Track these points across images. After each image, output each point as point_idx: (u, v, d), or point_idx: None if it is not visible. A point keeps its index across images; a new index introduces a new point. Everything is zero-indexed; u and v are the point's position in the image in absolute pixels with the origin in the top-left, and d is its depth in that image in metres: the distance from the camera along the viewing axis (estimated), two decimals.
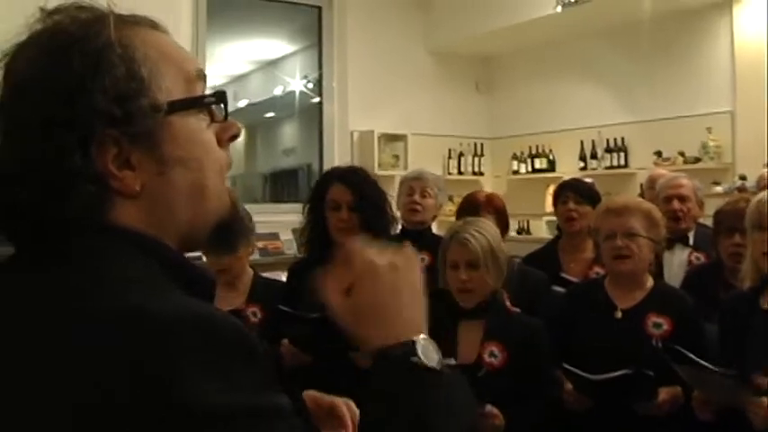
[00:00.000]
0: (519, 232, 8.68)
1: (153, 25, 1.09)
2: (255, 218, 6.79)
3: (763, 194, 3.04)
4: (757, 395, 2.66)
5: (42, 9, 1.03)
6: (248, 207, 7.50)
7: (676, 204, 4.24)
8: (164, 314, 0.86)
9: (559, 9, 7.60)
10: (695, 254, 4.20)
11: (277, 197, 9.18)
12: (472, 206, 3.83)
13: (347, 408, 1.34)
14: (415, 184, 4.35)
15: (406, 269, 1.14)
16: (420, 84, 8.89)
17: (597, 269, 3.92)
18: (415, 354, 1.05)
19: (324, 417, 1.35)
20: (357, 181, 3.51)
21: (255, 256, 6.93)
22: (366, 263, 1.13)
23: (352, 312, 1.12)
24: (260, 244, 7.14)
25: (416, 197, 4.30)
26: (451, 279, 3.04)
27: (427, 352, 1.06)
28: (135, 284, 0.92)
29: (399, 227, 4.45)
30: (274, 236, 7.26)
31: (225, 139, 1.13)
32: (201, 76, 1.10)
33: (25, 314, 0.91)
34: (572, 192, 4.33)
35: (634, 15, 7.72)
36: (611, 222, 3.17)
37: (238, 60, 9.44)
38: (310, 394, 1.36)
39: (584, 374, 2.92)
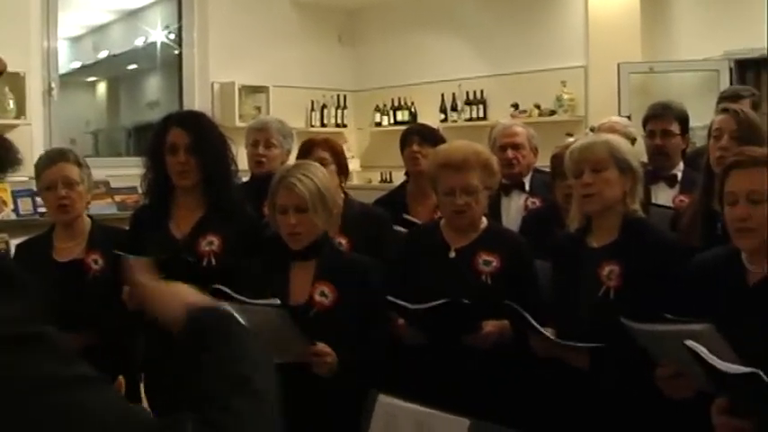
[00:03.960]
0: (382, 182, 8.80)
1: None
2: (118, 171, 6.72)
3: (574, 143, 3.17)
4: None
5: None
6: (111, 161, 7.36)
7: (510, 153, 4.36)
8: None
9: None
10: (531, 199, 4.34)
11: (141, 151, 8.96)
12: (308, 146, 3.87)
13: None
14: (258, 136, 4.34)
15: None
16: (282, 35, 8.81)
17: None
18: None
19: None
20: (195, 125, 3.48)
21: (113, 210, 6.85)
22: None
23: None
24: (118, 198, 7.01)
25: (261, 149, 4.30)
26: (281, 223, 3.05)
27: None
28: None
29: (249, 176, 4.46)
30: (133, 189, 7.13)
31: None
32: None
33: None
34: (417, 135, 4.43)
35: None
36: (451, 179, 3.20)
37: (97, 10, 9.12)
38: None
39: (405, 305, 3.01)
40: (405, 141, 4.48)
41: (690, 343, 2.12)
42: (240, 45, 8.40)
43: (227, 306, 1.43)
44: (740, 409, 2.13)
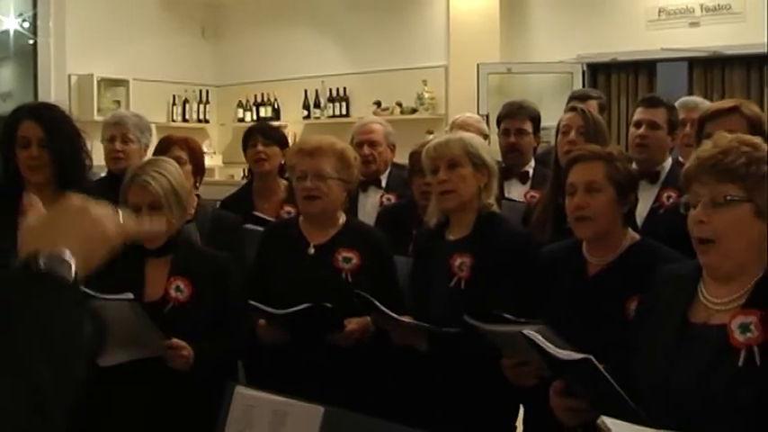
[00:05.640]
0: (245, 179, 8.77)
1: None
2: None
3: (431, 141, 3.25)
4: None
5: None
6: None
7: (367, 149, 4.41)
8: None
9: None
10: (387, 195, 4.42)
11: None
12: (166, 144, 3.82)
13: None
14: (115, 131, 4.23)
15: (94, 212, 1.24)
16: (144, 27, 8.67)
17: (288, 208, 4.05)
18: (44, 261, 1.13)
19: None
20: (49, 117, 3.37)
21: None
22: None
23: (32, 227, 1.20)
24: None
25: (117, 144, 4.20)
26: (134, 221, 3.01)
27: (57, 264, 1.13)
28: None
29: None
30: None
31: None
32: None
33: None
34: (260, 135, 4.41)
35: None
36: (304, 163, 3.23)
37: None
38: None
39: (268, 309, 3.00)
40: (247, 141, 4.45)
41: (527, 332, 2.23)
42: (99, 36, 8.21)
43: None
44: (575, 391, 2.26)
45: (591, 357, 2.05)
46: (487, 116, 6.72)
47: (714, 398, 1.95)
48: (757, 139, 2.14)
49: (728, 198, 2.00)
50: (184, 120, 9.01)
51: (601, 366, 2.05)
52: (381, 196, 4.42)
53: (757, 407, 1.90)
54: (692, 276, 2.15)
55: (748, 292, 2.00)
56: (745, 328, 1.94)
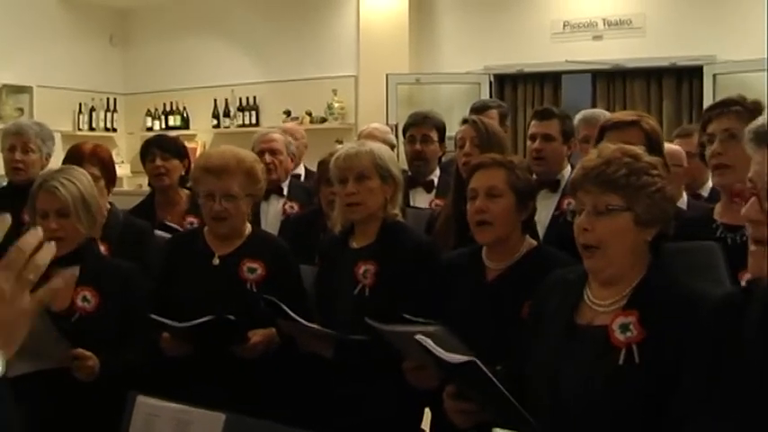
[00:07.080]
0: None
1: None
2: None
3: (340, 150, 3.28)
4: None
5: None
6: None
7: (268, 158, 4.42)
8: None
9: None
10: (289, 203, 4.46)
11: None
12: (76, 158, 3.74)
13: None
14: (15, 140, 4.13)
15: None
16: (48, 33, 8.52)
17: (191, 219, 4.04)
18: None
19: None
20: None
21: None
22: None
23: None
24: None
25: (18, 154, 4.12)
26: (42, 227, 2.97)
27: None
28: None
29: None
30: None
31: None
32: None
33: None
34: (158, 148, 4.34)
35: None
36: (210, 184, 3.17)
37: None
38: None
39: (169, 323, 2.98)
40: (145, 155, 4.39)
41: (419, 337, 2.28)
42: (0, 40, 8.02)
43: None
44: (465, 394, 2.33)
45: (475, 360, 2.10)
46: (396, 126, 6.79)
47: (597, 399, 2.05)
48: (639, 150, 2.25)
49: (610, 207, 2.12)
50: (91, 128, 8.88)
51: (486, 369, 2.10)
52: (284, 204, 4.45)
53: (636, 404, 2.00)
54: (578, 280, 2.25)
55: (629, 294, 2.13)
56: (624, 327, 2.06)
